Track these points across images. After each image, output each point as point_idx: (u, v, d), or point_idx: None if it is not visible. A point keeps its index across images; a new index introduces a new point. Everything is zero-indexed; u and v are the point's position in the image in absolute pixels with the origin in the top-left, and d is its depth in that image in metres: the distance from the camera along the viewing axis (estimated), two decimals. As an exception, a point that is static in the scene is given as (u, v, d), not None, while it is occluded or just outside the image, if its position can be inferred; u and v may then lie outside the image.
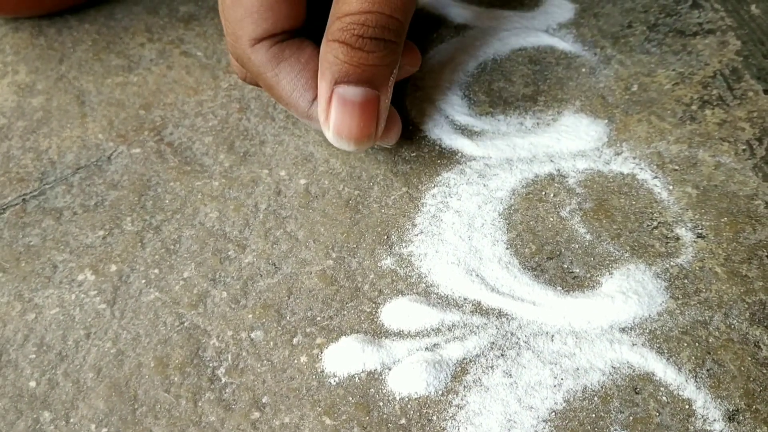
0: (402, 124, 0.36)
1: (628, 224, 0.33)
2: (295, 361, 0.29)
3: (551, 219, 0.34)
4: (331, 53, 0.30)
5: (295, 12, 0.32)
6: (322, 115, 0.31)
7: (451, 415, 0.28)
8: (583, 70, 0.41)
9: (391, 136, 0.35)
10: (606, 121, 0.38)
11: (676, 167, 0.35)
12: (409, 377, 0.28)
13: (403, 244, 0.33)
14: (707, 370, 0.28)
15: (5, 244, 0.34)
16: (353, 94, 0.30)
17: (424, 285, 0.32)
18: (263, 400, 0.28)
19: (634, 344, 0.29)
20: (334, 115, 0.31)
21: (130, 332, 0.31)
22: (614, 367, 0.29)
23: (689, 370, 0.28)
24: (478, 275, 0.32)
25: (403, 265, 0.32)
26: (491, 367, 0.29)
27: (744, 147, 0.36)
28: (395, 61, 0.32)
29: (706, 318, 0.30)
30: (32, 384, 0.29)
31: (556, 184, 0.35)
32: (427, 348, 0.29)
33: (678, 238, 0.32)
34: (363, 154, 0.37)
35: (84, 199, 0.36)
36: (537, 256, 0.32)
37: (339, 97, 0.31)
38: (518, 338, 0.30)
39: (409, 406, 0.28)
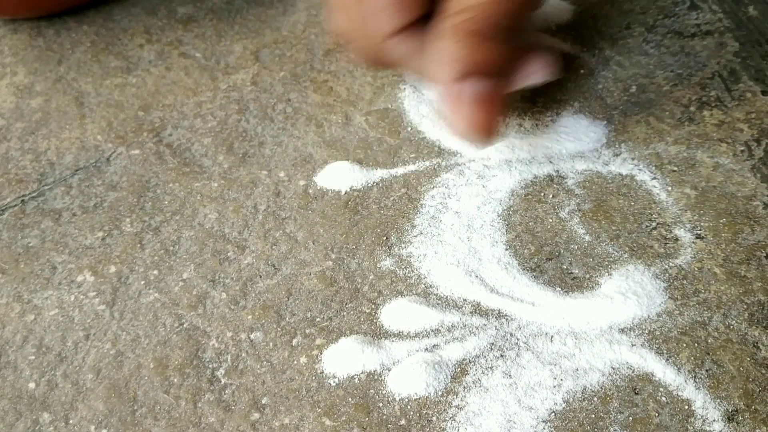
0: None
1: (627, 225, 0.33)
2: (295, 362, 0.29)
3: (550, 220, 0.34)
4: (456, 45, 0.28)
5: None
6: (449, 109, 0.29)
7: (450, 415, 0.28)
8: (582, 71, 0.41)
9: (542, 74, 0.33)
10: (605, 122, 0.38)
11: (675, 168, 0.35)
12: (408, 378, 0.28)
13: (403, 245, 0.33)
14: (706, 371, 0.28)
15: (4, 246, 0.34)
16: (481, 87, 0.29)
17: (423, 286, 0.32)
18: (263, 401, 0.28)
19: (633, 345, 0.29)
20: (465, 107, 0.29)
21: (130, 333, 0.31)
22: (614, 368, 0.29)
23: (688, 371, 0.28)
24: (477, 276, 0.32)
25: (403, 266, 0.32)
26: (491, 367, 0.29)
27: (742, 148, 0.36)
28: (518, 58, 0.31)
29: (705, 318, 0.30)
30: (31, 385, 0.29)
31: (555, 185, 0.35)
32: (426, 349, 0.29)
33: (677, 239, 0.33)
34: (362, 154, 0.37)
35: (83, 201, 0.36)
36: (536, 257, 0.32)
37: (467, 91, 0.29)
38: (518, 339, 0.30)
39: (408, 406, 0.28)
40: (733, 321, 0.30)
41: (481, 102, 0.29)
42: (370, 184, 0.36)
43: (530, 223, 0.34)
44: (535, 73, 0.33)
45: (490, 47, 0.28)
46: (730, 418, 0.27)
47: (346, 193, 0.35)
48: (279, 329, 0.30)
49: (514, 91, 0.34)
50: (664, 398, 0.28)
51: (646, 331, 0.30)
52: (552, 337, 0.30)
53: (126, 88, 0.42)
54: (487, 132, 0.29)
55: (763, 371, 0.28)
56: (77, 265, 0.33)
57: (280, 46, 0.43)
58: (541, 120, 0.38)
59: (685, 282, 0.31)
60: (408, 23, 0.30)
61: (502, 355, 0.29)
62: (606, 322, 0.30)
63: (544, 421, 0.27)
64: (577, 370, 0.29)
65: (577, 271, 0.32)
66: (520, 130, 0.38)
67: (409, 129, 0.38)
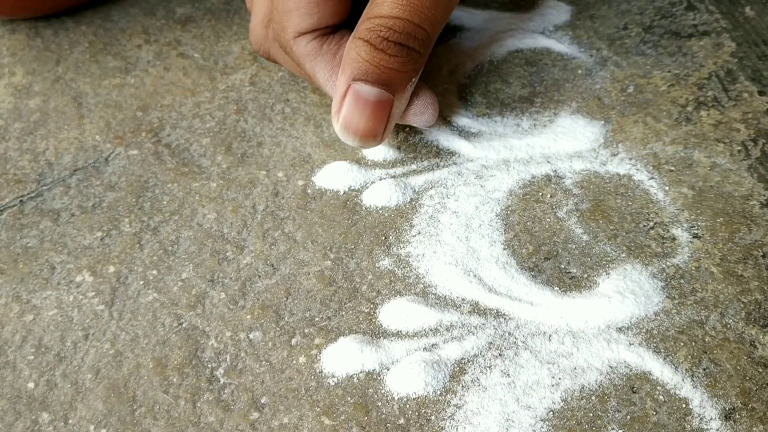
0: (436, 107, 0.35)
1: (625, 225, 0.33)
2: (294, 362, 0.29)
3: (548, 220, 0.34)
4: (355, 50, 0.31)
5: (339, 8, 0.33)
6: (335, 107, 0.32)
7: (449, 414, 0.28)
8: (580, 71, 0.41)
9: (426, 116, 0.35)
10: (602, 122, 0.38)
11: (672, 168, 0.35)
12: (407, 377, 0.28)
13: (401, 245, 0.33)
14: (704, 370, 0.28)
15: (3, 246, 0.34)
16: (368, 93, 0.31)
17: (422, 285, 0.32)
18: (262, 401, 0.28)
19: (631, 344, 0.29)
20: (345, 108, 0.32)
21: (129, 333, 0.31)
22: (611, 367, 0.29)
23: (686, 370, 0.28)
24: (475, 275, 0.32)
25: (401, 266, 0.32)
26: (489, 367, 0.29)
27: (739, 148, 0.36)
28: (415, 70, 0.32)
29: (703, 317, 0.30)
30: (31, 385, 0.29)
31: (552, 185, 0.35)
32: (425, 348, 0.29)
33: (674, 239, 0.33)
34: (359, 154, 0.37)
35: (81, 201, 0.36)
36: (534, 257, 0.32)
37: (354, 93, 0.31)
38: (516, 338, 0.30)
39: (407, 406, 0.28)
40: (730, 320, 0.30)
41: (365, 105, 0.31)
42: (368, 184, 0.36)
43: (528, 223, 0.34)
44: (422, 114, 0.35)
45: (386, 59, 0.31)
46: (727, 416, 0.27)
47: (344, 193, 0.35)
48: (278, 329, 0.31)
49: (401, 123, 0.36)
50: (661, 397, 0.28)
51: (644, 330, 0.30)
52: (550, 336, 0.30)
53: (124, 88, 0.42)
54: (363, 135, 0.32)
55: (760, 370, 0.28)
56: (76, 265, 0.33)
57: (279, 46, 0.43)
58: (539, 120, 0.38)
59: (682, 281, 0.31)
60: (312, 28, 0.34)
61: (500, 354, 0.29)
62: (604, 322, 0.30)
63: (542, 420, 0.27)
64: (575, 369, 0.29)
65: (575, 271, 0.32)
66: (518, 130, 0.38)
67: (407, 129, 0.38)
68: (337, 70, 0.34)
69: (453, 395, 0.28)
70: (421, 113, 0.35)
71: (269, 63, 0.42)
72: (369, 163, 0.37)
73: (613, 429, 0.27)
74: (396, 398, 0.28)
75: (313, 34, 0.34)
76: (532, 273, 0.32)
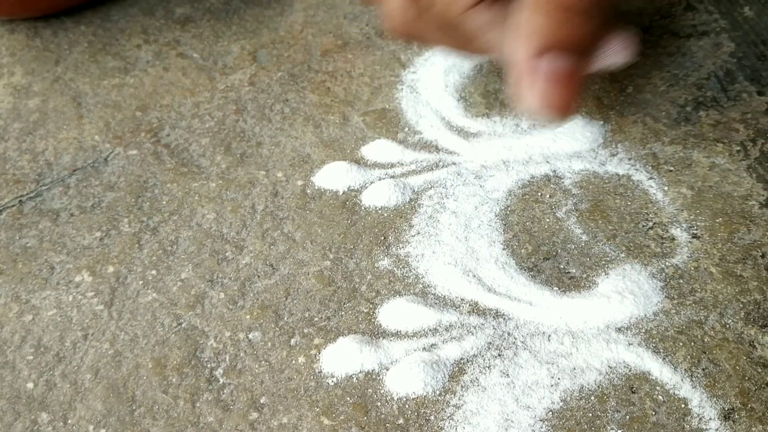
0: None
1: (624, 225, 0.33)
2: (293, 362, 0.30)
3: (547, 220, 0.34)
4: (536, 20, 0.27)
5: None
6: (521, 83, 0.28)
7: (448, 414, 0.28)
8: (579, 71, 0.41)
9: (628, 52, 0.31)
10: (601, 122, 0.38)
11: (671, 168, 0.35)
12: (406, 377, 0.28)
13: (400, 245, 0.33)
14: (703, 370, 0.28)
15: (2, 246, 0.34)
16: (557, 64, 0.28)
17: (421, 286, 0.32)
18: (261, 401, 0.28)
19: (630, 344, 0.29)
20: (542, 83, 0.28)
21: (128, 333, 0.31)
22: (611, 367, 0.29)
23: (685, 370, 0.28)
24: (474, 276, 0.32)
25: (401, 266, 0.32)
26: (488, 367, 0.29)
27: (738, 148, 0.36)
28: (599, 39, 0.30)
29: (702, 318, 0.30)
30: (30, 385, 0.29)
31: (552, 185, 0.35)
32: (424, 348, 0.29)
33: (673, 239, 0.33)
34: (358, 154, 0.37)
35: (81, 201, 0.36)
36: (533, 257, 0.33)
37: (544, 66, 0.28)
38: (515, 338, 0.30)
39: (406, 406, 0.28)
40: (729, 320, 0.30)
41: (558, 79, 0.28)
42: (367, 184, 0.36)
43: (527, 223, 0.34)
44: (616, 54, 0.31)
45: (579, 23, 0.28)
46: (726, 416, 0.27)
47: (343, 193, 0.35)
48: (277, 329, 0.31)
49: (592, 72, 0.32)
50: (660, 397, 0.28)
51: (643, 330, 0.30)
52: (549, 336, 0.30)
53: (123, 88, 0.42)
54: (561, 111, 0.28)
55: (759, 370, 0.28)
56: (75, 265, 0.33)
57: (278, 46, 0.43)
58: (538, 120, 0.38)
59: (681, 281, 0.31)
60: None
61: (499, 355, 0.29)
62: (603, 322, 0.30)
63: (541, 420, 0.27)
64: (575, 369, 0.29)
65: (574, 271, 0.32)
66: (518, 130, 0.38)
67: (406, 129, 0.38)
68: (514, 37, 0.29)
69: (452, 395, 0.28)
70: (624, 48, 0.31)
71: (268, 63, 0.42)
72: (368, 163, 0.37)
73: (612, 429, 0.27)
74: (395, 398, 0.28)
75: (484, 3, 0.30)
76: (532, 273, 0.32)
